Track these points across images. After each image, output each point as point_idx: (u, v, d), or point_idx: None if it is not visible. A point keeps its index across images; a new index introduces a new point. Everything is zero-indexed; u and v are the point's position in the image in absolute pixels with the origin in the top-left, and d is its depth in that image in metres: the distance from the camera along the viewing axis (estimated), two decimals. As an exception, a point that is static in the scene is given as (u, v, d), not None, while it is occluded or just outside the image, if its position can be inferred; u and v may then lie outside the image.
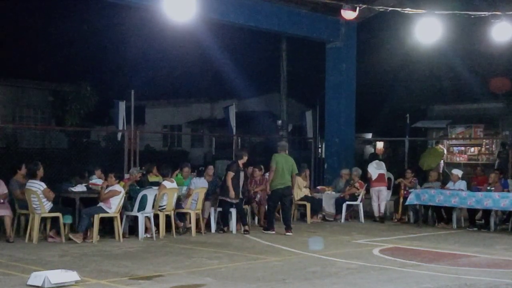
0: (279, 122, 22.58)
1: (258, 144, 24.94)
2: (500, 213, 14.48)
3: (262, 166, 14.92)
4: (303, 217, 15.84)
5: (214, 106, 38.58)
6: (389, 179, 16.86)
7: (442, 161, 21.44)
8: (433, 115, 31.46)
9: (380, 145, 31.36)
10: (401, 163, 20.46)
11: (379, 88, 32.11)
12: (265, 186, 13.94)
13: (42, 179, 11.53)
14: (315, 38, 18.85)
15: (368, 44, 27.89)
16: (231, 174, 13.08)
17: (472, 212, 14.53)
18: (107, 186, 11.81)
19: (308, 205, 15.41)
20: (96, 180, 12.72)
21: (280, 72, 23.15)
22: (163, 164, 13.60)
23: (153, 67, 36.88)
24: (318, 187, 16.97)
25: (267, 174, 14.08)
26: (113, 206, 11.65)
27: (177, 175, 13.76)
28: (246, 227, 13.21)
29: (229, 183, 13.06)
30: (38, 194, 11.27)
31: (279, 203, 13.65)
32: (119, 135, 16.97)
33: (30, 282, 7.69)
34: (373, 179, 16.12)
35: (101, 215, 11.56)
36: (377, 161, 16.62)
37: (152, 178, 13.31)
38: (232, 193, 13.02)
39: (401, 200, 15.70)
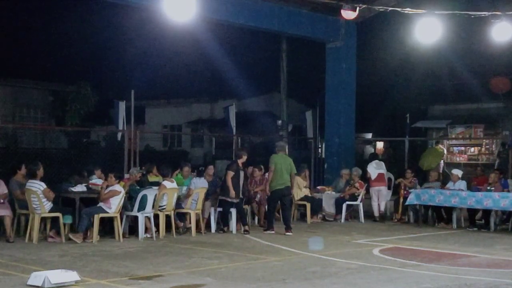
0: (279, 122, 22.58)
1: (258, 144, 24.95)
2: (500, 213, 14.48)
3: (262, 166, 14.92)
4: (303, 217, 15.84)
5: (214, 106, 38.57)
6: (389, 179, 16.88)
7: (442, 161, 21.44)
8: (433, 115, 31.46)
9: (380, 145, 31.37)
10: (401, 163, 20.46)
11: (379, 88, 32.13)
12: (265, 186, 13.94)
13: (42, 179, 11.53)
14: (315, 38, 18.85)
15: (368, 44, 27.89)
16: (231, 174, 13.09)
17: (472, 212, 14.53)
18: (107, 186, 11.81)
19: (308, 205, 15.41)
20: (96, 180, 12.72)
21: (280, 72, 23.17)
22: (163, 164, 13.60)
23: (153, 67, 36.87)
24: (318, 187, 16.97)
25: (267, 174, 14.09)
26: (113, 206, 11.65)
27: (177, 175, 13.75)
28: (246, 227, 13.21)
29: (229, 182, 13.06)
30: (38, 194, 11.27)
31: (279, 203, 13.67)
32: (119, 135, 16.96)
33: (30, 282, 7.69)
34: (372, 178, 16.14)
35: (101, 215, 11.55)
36: (376, 161, 16.65)
37: (152, 178, 13.31)
38: (232, 192, 13.03)
39: (401, 200, 15.70)
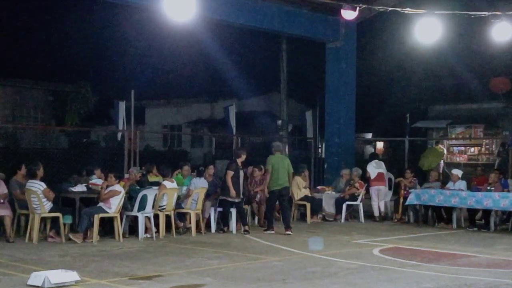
0: (279, 122, 22.62)
1: (258, 144, 24.94)
2: (500, 213, 14.47)
3: (262, 166, 14.91)
4: (303, 217, 15.83)
5: (214, 106, 38.56)
6: (389, 179, 16.88)
7: (442, 161, 21.46)
8: (433, 115, 31.46)
9: (380, 145, 31.38)
10: (401, 163, 20.47)
11: (379, 88, 32.13)
12: (264, 186, 13.94)
13: (42, 179, 11.53)
14: (315, 38, 18.85)
15: (368, 44, 27.91)
16: (230, 173, 13.09)
17: (472, 212, 14.53)
18: (107, 186, 11.81)
19: (308, 205, 15.41)
20: (96, 180, 12.72)
21: (280, 72, 23.18)
22: (163, 164, 13.60)
23: (153, 67, 36.90)
24: (318, 187, 16.97)
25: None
26: (113, 206, 11.65)
27: (177, 175, 13.76)
28: (246, 227, 13.21)
29: (229, 182, 13.07)
30: (38, 194, 11.27)
31: (278, 203, 13.68)
32: (119, 135, 16.97)
33: (30, 282, 7.69)
34: (372, 178, 16.15)
35: (101, 215, 11.55)
36: (376, 160, 16.65)
37: (152, 178, 13.31)
38: (233, 192, 13.03)
39: (401, 200, 15.70)
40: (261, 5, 16.47)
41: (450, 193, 14.40)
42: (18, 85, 32.64)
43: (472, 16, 14.41)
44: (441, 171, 19.65)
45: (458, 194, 14.24)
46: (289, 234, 13.01)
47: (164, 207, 12.36)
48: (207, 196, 13.38)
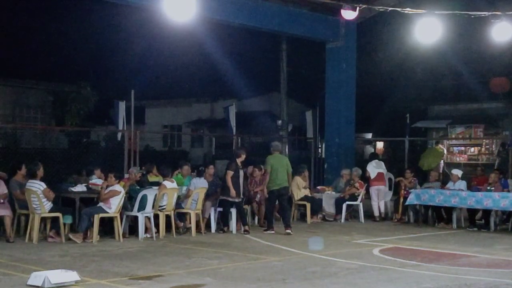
0: (279, 122, 22.60)
1: (258, 144, 24.95)
2: (500, 213, 14.48)
3: (262, 166, 14.91)
4: (303, 217, 15.83)
5: (214, 106, 38.58)
6: (390, 179, 16.89)
7: (442, 161, 21.47)
8: (433, 115, 31.47)
9: (380, 145, 31.39)
10: (401, 163, 20.46)
11: (379, 88, 32.12)
12: (264, 186, 13.94)
13: (42, 179, 11.53)
14: (315, 38, 18.86)
15: (368, 44, 27.90)
16: (230, 173, 13.09)
17: (472, 212, 14.53)
18: (107, 186, 11.81)
19: (308, 205, 15.41)
20: (96, 180, 12.72)
21: (280, 72, 23.17)
22: (163, 164, 13.60)
23: (153, 67, 36.88)
24: (318, 187, 16.97)
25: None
26: (113, 206, 11.65)
27: (177, 175, 13.75)
28: (246, 227, 13.21)
29: (229, 182, 13.07)
30: (38, 194, 11.27)
31: (278, 203, 13.68)
32: (119, 135, 16.97)
33: (30, 282, 7.69)
34: (372, 178, 16.15)
35: (101, 215, 11.55)
36: (376, 160, 16.67)
37: (152, 178, 13.31)
38: (233, 192, 13.03)
39: (401, 200, 15.70)
40: (261, 5, 16.48)
41: (450, 193, 14.40)
42: (18, 85, 32.65)
43: (472, 16, 14.41)
44: (441, 171, 19.66)
45: (458, 194, 14.24)
46: (289, 233, 13.02)
47: (164, 207, 12.36)
48: (207, 196, 13.39)
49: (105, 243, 11.35)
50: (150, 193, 12.12)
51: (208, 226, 13.46)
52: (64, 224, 11.66)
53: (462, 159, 27.78)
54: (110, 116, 22.05)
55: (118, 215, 11.75)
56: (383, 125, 30.39)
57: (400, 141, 23.13)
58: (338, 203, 15.84)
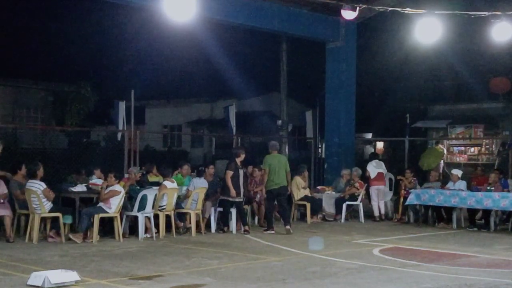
0: (279, 122, 22.56)
1: (258, 144, 24.93)
2: (500, 213, 14.47)
3: (262, 166, 14.92)
4: (303, 217, 15.84)
5: (214, 106, 38.56)
6: (390, 179, 16.90)
7: (442, 161, 21.46)
8: (433, 115, 31.46)
9: (380, 145, 31.38)
10: (401, 163, 20.46)
11: (379, 88, 32.12)
12: (263, 187, 13.94)
13: (42, 179, 11.53)
14: (315, 38, 18.85)
15: (368, 44, 27.89)
16: (230, 173, 13.10)
17: (472, 212, 14.53)
18: (107, 186, 11.81)
19: (308, 205, 15.41)
20: (96, 180, 12.72)
21: (280, 72, 23.14)
22: (163, 164, 13.59)
23: (153, 67, 36.86)
24: (318, 187, 16.97)
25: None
26: (113, 206, 11.65)
27: (177, 175, 13.75)
28: (246, 227, 13.21)
29: (229, 182, 13.07)
30: (38, 194, 11.27)
31: (277, 202, 13.67)
32: (119, 135, 16.96)
33: (30, 282, 7.69)
34: (372, 177, 16.16)
35: (101, 215, 11.56)
36: (376, 160, 16.68)
37: (152, 178, 13.31)
38: (233, 192, 13.04)
39: (401, 200, 15.70)
40: (261, 5, 16.48)
41: (450, 193, 14.40)
42: (18, 85, 32.65)
43: (472, 16, 14.41)
44: (441, 171, 19.64)
45: (458, 194, 14.24)
46: (289, 230, 13.04)
47: (164, 207, 12.36)
48: (207, 196, 13.39)
49: (105, 243, 11.35)
50: (150, 193, 12.12)
51: (208, 226, 13.46)
52: (64, 224, 11.66)
53: (462, 159, 27.78)
54: (110, 116, 22.03)
55: (118, 215, 11.76)
56: (383, 125, 30.39)
57: (400, 141, 23.14)
58: (338, 203, 15.84)
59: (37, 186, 11.32)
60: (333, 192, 16.29)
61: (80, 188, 12.38)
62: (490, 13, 14.13)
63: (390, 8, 15.39)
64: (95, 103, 31.96)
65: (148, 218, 12.18)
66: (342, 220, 15.64)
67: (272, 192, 13.46)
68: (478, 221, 14.79)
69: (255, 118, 31.59)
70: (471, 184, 15.67)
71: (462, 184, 14.97)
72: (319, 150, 20.54)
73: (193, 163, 20.20)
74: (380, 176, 16.23)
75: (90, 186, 12.51)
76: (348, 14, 14.69)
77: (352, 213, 16.32)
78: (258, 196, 14.50)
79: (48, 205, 11.42)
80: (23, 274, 8.26)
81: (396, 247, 11.72)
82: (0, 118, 29.33)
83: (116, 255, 10.21)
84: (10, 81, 32.12)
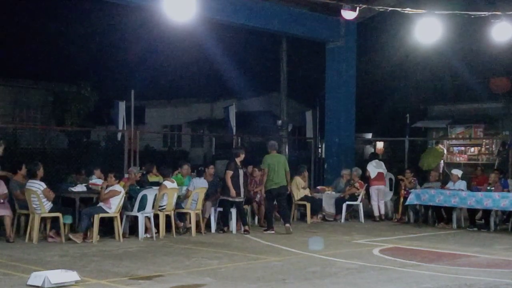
0: (279, 122, 22.55)
1: (258, 144, 24.93)
2: (500, 213, 14.48)
3: (261, 166, 14.92)
4: (303, 217, 15.84)
5: (214, 106, 38.58)
6: (390, 179, 16.90)
7: (442, 161, 21.47)
8: (433, 115, 31.47)
9: (380, 145, 31.38)
10: (401, 163, 20.46)
11: (379, 88, 32.12)
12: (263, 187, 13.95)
13: (42, 179, 11.54)
14: (315, 38, 18.86)
15: (368, 44, 27.89)
16: (229, 173, 13.10)
17: (472, 212, 14.53)
18: (107, 186, 11.81)
19: (308, 205, 15.41)
20: (96, 180, 12.72)
21: (280, 72, 23.14)
22: (163, 164, 13.59)
23: (153, 67, 36.86)
24: (318, 187, 16.97)
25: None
26: (113, 206, 11.65)
27: (177, 175, 13.75)
28: (246, 227, 13.21)
29: (229, 182, 13.07)
30: (38, 194, 11.28)
31: (276, 202, 13.67)
32: (119, 135, 16.96)
33: (30, 282, 7.69)
34: (372, 177, 16.16)
35: (101, 215, 11.56)
36: (376, 160, 16.68)
37: (152, 178, 13.31)
38: (232, 192, 13.04)
39: (401, 200, 15.70)
40: (261, 5, 16.48)
41: (450, 193, 14.40)
42: (18, 85, 32.66)
43: (472, 16, 14.40)
44: (441, 171, 19.65)
45: (458, 194, 14.24)
46: (289, 228, 13.06)
47: (164, 207, 12.37)
48: (207, 196, 13.39)
49: (105, 243, 11.35)
50: (150, 193, 12.12)
51: (208, 226, 13.47)
52: (64, 224, 11.66)
53: (462, 159, 27.79)
54: (110, 116, 22.03)
55: (118, 215, 11.76)
56: (383, 125, 30.40)
57: (400, 141, 23.12)
58: (338, 203, 15.85)
59: (37, 186, 11.32)
60: (333, 192, 16.29)
61: (80, 188, 12.38)
62: (490, 13, 14.13)
63: (390, 8, 15.38)
64: (95, 103, 31.97)
65: (148, 218, 12.18)
66: (342, 220, 15.64)
67: (271, 192, 13.46)
68: (478, 221, 14.79)
69: (255, 118, 31.59)
70: (471, 184, 15.68)
71: (462, 184, 14.97)
72: (319, 150, 20.55)
73: (193, 163, 20.19)
74: (380, 176, 16.24)
75: (90, 186, 12.51)
76: (348, 14, 14.68)
77: (352, 213, 16.32)
78: (258, 196, 14.50)
79: (48, 205, 11.42)
80: (23, 274, 8.26)
81: (396, 247, 11.72)
82: (0, 118, 29.32)
83: (116, 255, 10.22)
84: (10, 81, 32.12)
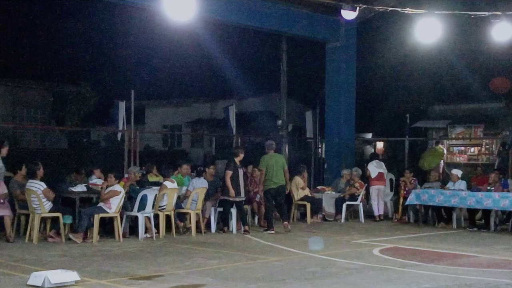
0: (279, 122, 22.58)
1: (258, 144, 24.94)
2: (500, 213, 14.47)
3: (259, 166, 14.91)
4: (303, 217, 15.83)
5: (214, 106, 38.59)
6: (391, 179, 16.89)
7: (442, 161, 21.45)
8: (433, 115, 31.44)
9: (380, 145, 31.36)
10: (401, 163, 20.46)
11: (379, 88, 32.13)
12: (263, 187, 13.94)
13: (42, 179, 11.54)
14: (315, 38, 18.86)
15: (368, 44, 27.90)
16: (229, 173, 13.10)
17: (472, 212, 14.53)
18: (107, 186, 11.81)
19: (308, 205, 15.41)
20: (96, 180, 12.72)
21: (280, 72, 23.16)
22: (163, 164, 13.58)
23: (153, 67, 36.95)
24: (318, 187, 16.97)
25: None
26: (113, 206, 11.65)
27: (177, 175, 13.74)
28: (246, 227, 13.21)
29: (228, 182, 13.07)
30: (38, 194, 11.28)
31: (274, 201, 13.66)
32: (119, 135, 16.96)
33: (30, 282, 7.69)
34: (372, 177, 16.16)
35: (101, 215, 11.56)
36: (377, 160, 16.68)
37: (152, 178, 13.31)
38: (232, 191, 13.03)
39: (401, 200, 15.70)
40: (261, 5, 16.48)
41: (450, 193, 14.40)
42: (18, 85, 32.67)
43: (472, 16, 14.41)
44: (441, 171, 19.63)
45: (458, 194, 14.24)
46: (287, 225, 13.08)
47: (164, 207, 12.36)
48: (208, 196, 13.39)
49: (105, 243, 11.35)
50: (150, 193, 12.12)
51: (208, 226, 13.46)
52: (64, 224, 11.66)
53: (462, 159, 27.74)
54: (110, 116, 22.04)
55: (118, 215, 11.76)
56: (383, 125, 30.40)
57: (400, 141, 23.11)
58: (338, 203, 15.84)
59: (37, 186, 11.32)
60: (333, 192, 16.28)
61: (80, 188, 12.37)
62: (490, 13, 14.13)
63: (390, 8, 15.39)
64: (95, 103, 31.98)
65: (148, 218, 12.18)
66: (342, 220, 15.64)
67: (270, 191, 13.46)
68: (478, 221, 14.79)
69: (255, 118, 31.62)
70: (471, 184, 15.67)
71: (462, 184, 14.97)
72: (319, 150, 20.55)
73: (193, 163, 20.20)
74: (380, 176, 16.24)
75: (90, 186, 12.50)
76: (348, 14, 14.69)
77: (352, 213, 16.31)
78: (258, 196, 14.50)
79: (48, 205, 11.43)
80: (23, 274, 8.26)
81: (396, 247, 11.72)
82: (0, 118, 29.34)
83: (116, 255, 10.21)
84: (10, 81, 32.13)
